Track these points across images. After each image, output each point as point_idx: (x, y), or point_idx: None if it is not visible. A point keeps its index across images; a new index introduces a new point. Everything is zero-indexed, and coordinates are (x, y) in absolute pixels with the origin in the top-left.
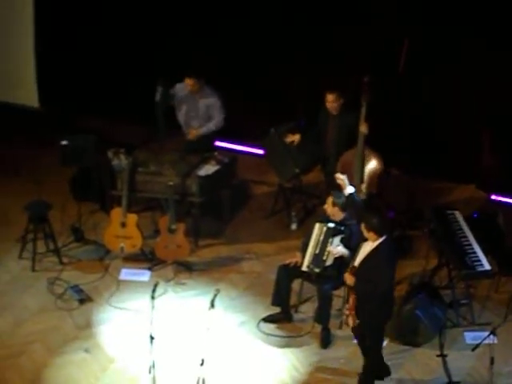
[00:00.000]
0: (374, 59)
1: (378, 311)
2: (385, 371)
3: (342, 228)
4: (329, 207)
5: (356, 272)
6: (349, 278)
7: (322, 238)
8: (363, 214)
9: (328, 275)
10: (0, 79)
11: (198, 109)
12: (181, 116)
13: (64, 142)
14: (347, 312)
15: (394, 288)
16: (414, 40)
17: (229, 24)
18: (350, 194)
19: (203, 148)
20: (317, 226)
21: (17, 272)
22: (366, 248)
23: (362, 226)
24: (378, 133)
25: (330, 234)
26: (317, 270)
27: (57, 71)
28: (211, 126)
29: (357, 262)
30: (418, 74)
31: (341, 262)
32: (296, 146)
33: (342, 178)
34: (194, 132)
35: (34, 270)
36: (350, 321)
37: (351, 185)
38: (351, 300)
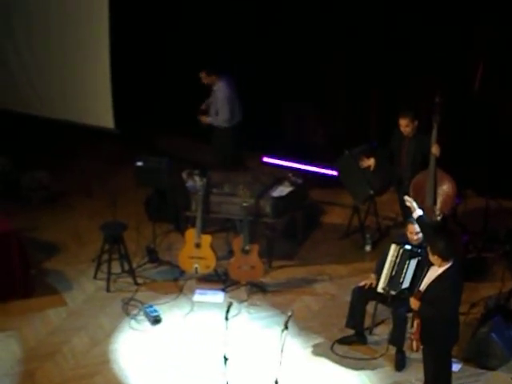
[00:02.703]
0: (446, 80)
1: (443, 336)
2: None
3: (419, 250)
4: (412, 234)
5: (421, 297)
6: (414, 303)
7: (398, 260)
8: (430, 236)
9: (403, 297)
10: (76, 101)
11: (212, 98)
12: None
13: (139, 163)
14: (412, 337)
15: (458, 313)
16: (489, 62)
17: (307, 49)
18: (419, 216)
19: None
20: (393, 247)
21: (92, 292)
22: (432, 273)
23: (428, 249)
24: (453, 154)
25: (407, 256)
26: (393, 293)
27: (132, 93)
28: (215, 122)
29: (422, 287)
30: (495, 92)
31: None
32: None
33: (410, 200)
34: (205, 118)
35: (108, 290)
36: (415, 345)
37: (420, 207)
38: (416, 325)
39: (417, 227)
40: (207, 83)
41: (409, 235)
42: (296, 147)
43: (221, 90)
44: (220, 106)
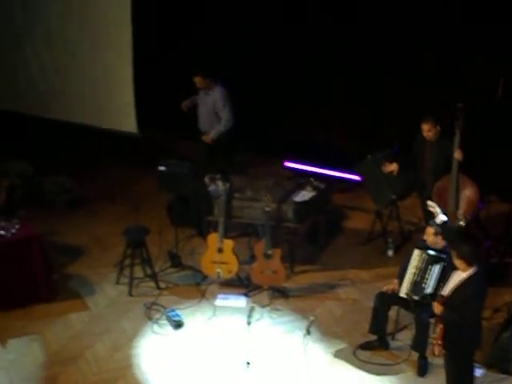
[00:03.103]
0: (468, 86)
1: (465, 342)
2: None
3: (443, 256)
4: (429, 237)
5: (444, 302)
6: (437, 308)
7: (422, 265)
8: (454, 241)
9: (426, 303)
10: (100, 106)
11: (206, 105)
12: (199, 115)
13: (161, 168)
14: (434, 341)
15: (481, 318)
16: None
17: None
18: (443, 221)
19: (221, 149)
20: (416, 252)
21: (114, 297)
22: (456, 278)
23: (453, 253)
24: (476, 159)
25: (431, 261)
26: (415, 298)
27: (155, 97)
28: (220, 127)
29: (446, 292)
30: None
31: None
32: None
33: (433, 205)
34: (207, 138)
35: (131, 294)
36: (436, 350)
37: (443, 212)
38: (438, 329)
39: (433, 229)
40: (200, 87)
41: (425, 237)
42: (318, 151)
43: (218, 92)
44: (221, 108)
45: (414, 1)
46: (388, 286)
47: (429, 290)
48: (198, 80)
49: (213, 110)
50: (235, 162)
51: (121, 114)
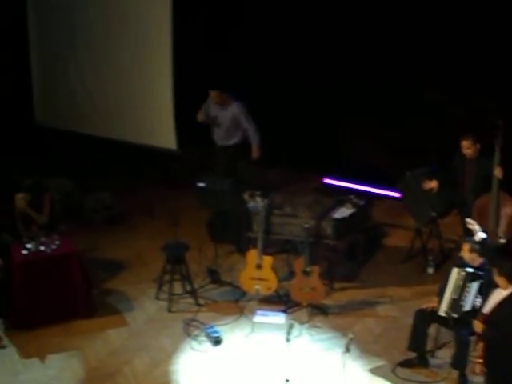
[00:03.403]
0: (509, 102)
1: (507, 360)
2: None
3: (481, 273)
4: (465, 253)
5: (485, 319)
6: (477, 325)
7: (460, 283)
8: (495, 258)
9: (466, 321)
10: (139, 123)
11: (223, 119)
12: (215, 129)
13: (201, 184)
14: (474, 359)
15: None
16: None
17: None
18: (482, 239)
19: (239, 158)
20: (454, 270)
21: (153, 313)
22: (497, 295)
23: (493, 271)
24: None
25: (469, 279)
26: (455, 316)
27: (194, 114)
28: (256, 138)
29: (487, 309)
30: None
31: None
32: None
33: (471, 223)
34: (255, 154)
35: (170, 310)
36: (477, 369)
37: (483, 230)
38: (479, 348)
39: (469, 246)
40: (217, 102)
41: (462, 254)
42: (357, 168)
43: (238, 106)
44: (245, 121)
45: (458, 16)
46: (428, 304)
47: (467, 307)
48: (214, 94)
49: (232, 125)
50: (263, 175)
51: (160, 130)
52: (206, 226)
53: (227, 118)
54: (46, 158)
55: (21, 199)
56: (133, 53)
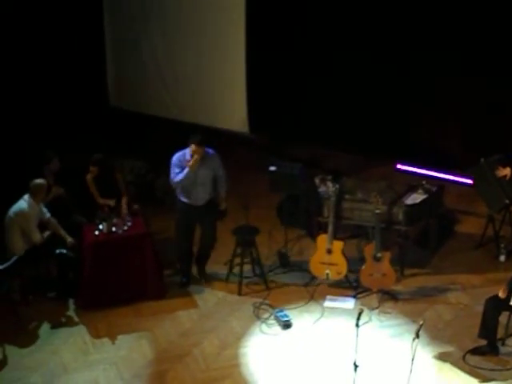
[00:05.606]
0: None
1: None
2: None
3: None
4: None
5: None
6: None
7: None
8: None
9: None
10: (213, 106)
11: (201, 178)
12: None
13: (272, 169)
14: None
15: None
16: None
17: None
18: None
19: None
20: None
21: (223, 295)
22: None
23: None
24: None
25: None
26: None
27: (267, 99)
28: (224, 191)
29: None
30: None
31: None
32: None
33: None
34: (223, 205)
35: (240, 293)
36: None
37: None
38: None
39: None
40: (197, 154)
41: None
42: (431, 154)
43: (217, 158)
44: (222, 175)
45: None
46: (499, 292)
47: None
48: (193, 148)
49: (210, 180)
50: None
51: (234, 115)
52: (276, 210)
53: (205, 175)
54: (121, 140)
55: (88, 173)
56: (209, 36)
